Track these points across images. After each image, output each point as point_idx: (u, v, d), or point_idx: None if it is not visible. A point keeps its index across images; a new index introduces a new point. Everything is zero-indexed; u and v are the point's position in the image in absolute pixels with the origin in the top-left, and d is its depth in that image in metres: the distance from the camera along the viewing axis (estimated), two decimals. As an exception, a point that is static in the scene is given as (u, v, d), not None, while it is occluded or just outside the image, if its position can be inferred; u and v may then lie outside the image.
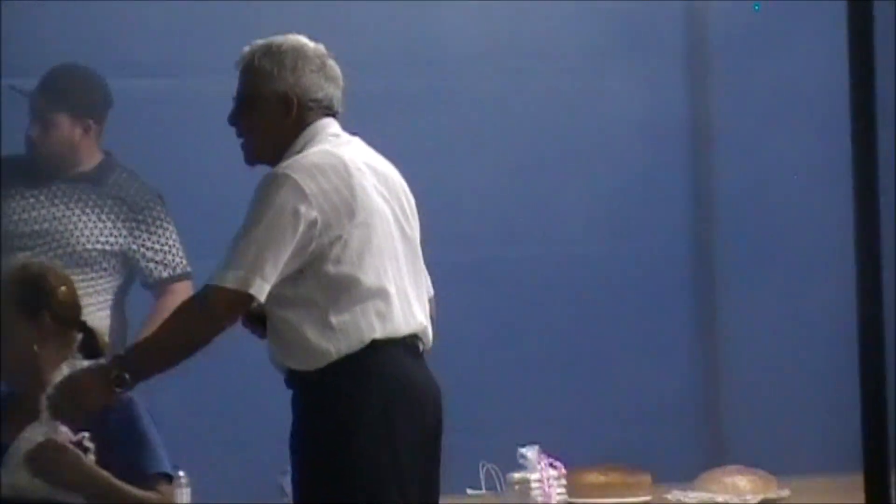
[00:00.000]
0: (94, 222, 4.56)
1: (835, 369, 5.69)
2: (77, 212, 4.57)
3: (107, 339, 3.52)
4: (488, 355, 5.38)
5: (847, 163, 2.46)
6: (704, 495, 4.78)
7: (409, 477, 3.18)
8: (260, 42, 3.35)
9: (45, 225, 4.54)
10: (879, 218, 2.48)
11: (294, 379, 3.20)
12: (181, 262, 4.68)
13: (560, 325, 5.64)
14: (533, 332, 5.49)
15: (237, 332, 3.40)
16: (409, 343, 3.28)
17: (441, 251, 3.76)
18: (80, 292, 3.52)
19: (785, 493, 4.81)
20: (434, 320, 3.45)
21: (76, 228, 4.53)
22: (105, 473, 3.24)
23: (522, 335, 5.44)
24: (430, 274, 3.51)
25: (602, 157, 5.75)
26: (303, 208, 3.09)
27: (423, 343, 3.33)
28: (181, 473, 4.04)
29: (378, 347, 3.19)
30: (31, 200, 4.58)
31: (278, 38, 3.33)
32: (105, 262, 4.55)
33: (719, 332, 6.06)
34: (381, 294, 3.18)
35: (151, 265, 4.61)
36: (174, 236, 4.69)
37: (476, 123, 5.66)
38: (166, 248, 4.65)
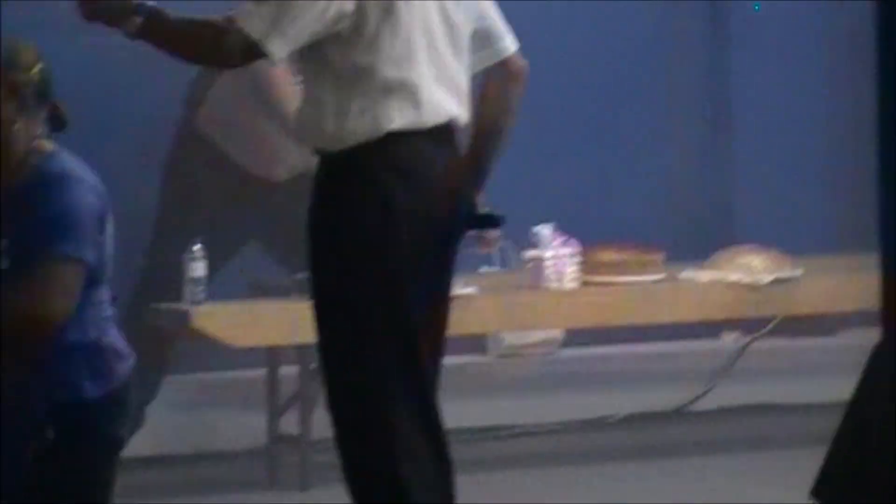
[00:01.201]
0: None
1: (849, 147, 5.73)
2: None
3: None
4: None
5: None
6: (717, 274, 4.80)
7: (415, 266, 3.18)
8: None
9: None
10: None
11: (318, 155, 3.23)
12: None
13: (574, 103, 5.67)
14: (547, 111, 5.51)
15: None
16: (436, 134, 3.23)
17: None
18: None
19: (798, 272, 4.84)
20: (517, 80, 3.37)
21: None
22: None
23: (537, 114, 5.47)
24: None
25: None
26: None
27: (455, 127, 3.28)
28: (196, 247, 4.30)
29: (397, 138, 3.16)
30: None
31: None
32: None
33: (733, 111, 6.13)
34: (405, 85, 3.14)
35: None
36: None
37: None
38: None
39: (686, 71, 6.23)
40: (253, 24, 3.05)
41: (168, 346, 4.77)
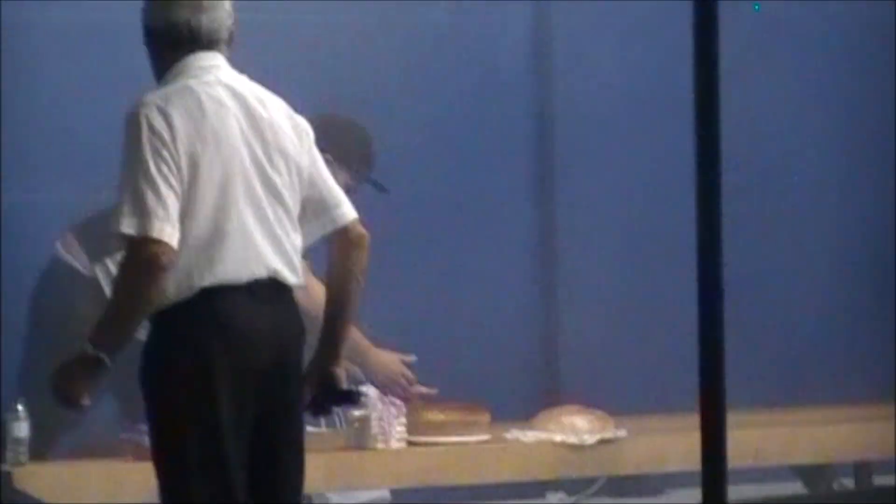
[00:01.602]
0: None
1: (673, 304, 5.95)
2: None
3: None
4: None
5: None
6: (542, 434, 4.91)
7: (233, 425, 3.21)
8: None
9: None
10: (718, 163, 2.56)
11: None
12: None
13: (394, 246, 5.80)
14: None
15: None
16: (254, 289, 3.26)
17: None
18: None
19: (622, 432, 4.96)
20: (359, 247, 3.45)
21: None
22: None
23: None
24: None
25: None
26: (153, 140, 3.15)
27: (280, 284, 3.30)
28: (20, 407, 4.29)
29: (212, 294, 3.20)
30: None
31: None
32: None
33: (558, 269, 6.37)
34: (217, 238, 3.18)
35: None
36: None
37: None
38: None
39: (513, 222, 6.45)
40: (125, 224, 3.14)
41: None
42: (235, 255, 3.20)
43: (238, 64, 3.52)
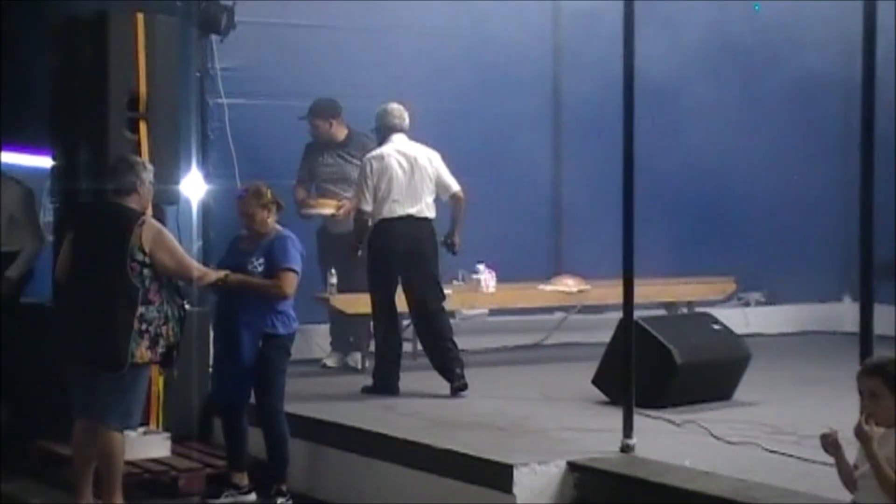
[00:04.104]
0: (351, 165, 9.76)
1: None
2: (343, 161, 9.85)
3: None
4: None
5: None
6: (553, 286, 10.56)
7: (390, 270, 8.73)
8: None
9: (336, 169, 9.80)
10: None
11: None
12: None
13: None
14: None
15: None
16: (410, 217, 8.68)
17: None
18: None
19: (588, 287, 10.63)
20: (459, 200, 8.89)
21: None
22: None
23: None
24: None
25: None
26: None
27: (422, 216, 8.70)
28: None
29: (392, 220, 8.61)
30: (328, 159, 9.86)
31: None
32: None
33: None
34: (395, 197, 8.64)
35: None
36: None
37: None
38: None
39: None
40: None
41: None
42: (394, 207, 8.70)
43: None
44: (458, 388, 8.61)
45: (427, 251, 8.68)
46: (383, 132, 8.84)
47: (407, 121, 8.85)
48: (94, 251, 6.86)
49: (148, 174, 7.05)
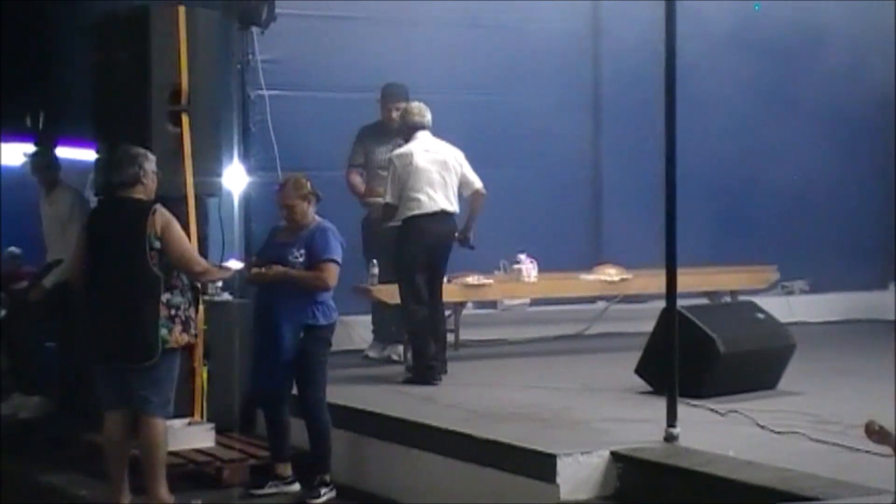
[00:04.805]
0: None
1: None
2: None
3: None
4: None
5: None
6: (594, 275, 10.56)
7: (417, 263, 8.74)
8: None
9: (386, 156, 9.48)
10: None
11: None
12: None
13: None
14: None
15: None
16: (437, 213, 8.74)
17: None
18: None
19: (630, 276, 10.64)
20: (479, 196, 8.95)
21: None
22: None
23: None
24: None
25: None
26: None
27: (447, 212, 8.78)
28: None
29: (413, 217, 8.71)
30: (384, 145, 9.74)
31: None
32: None
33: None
34: (422, 193, 8.75)
35: None
36: None
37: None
38: None
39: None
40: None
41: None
42: (424, 201, 8.74)
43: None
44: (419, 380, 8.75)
45: (450, 245, 8.90)
46: (407, 130, 8.92)
47: (429, 118, 8.94)
48: (111, 246, 6.86)
49: (151, 164, 7.01)
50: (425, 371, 8.77)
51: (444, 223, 8.79)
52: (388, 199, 8.74)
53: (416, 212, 8.70)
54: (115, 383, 6.84)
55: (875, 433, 4.62)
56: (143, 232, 6.75)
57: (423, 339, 8.78)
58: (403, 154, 8.84)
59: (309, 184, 7.54)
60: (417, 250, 8.70)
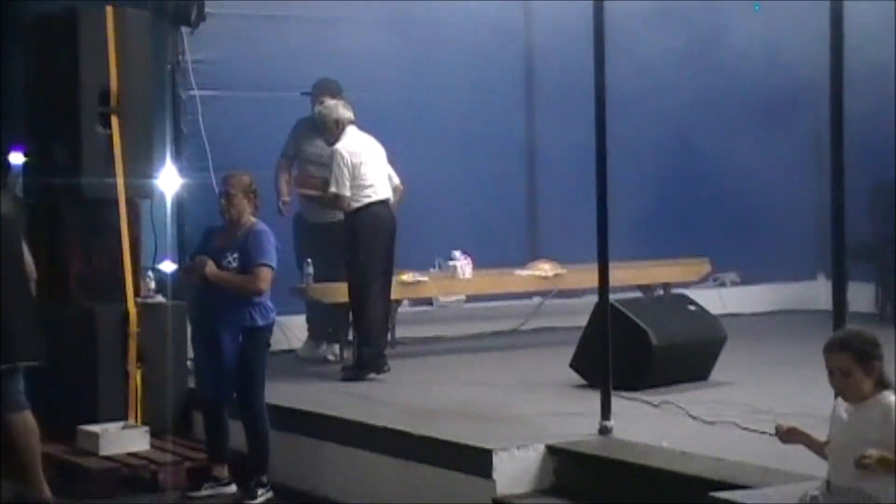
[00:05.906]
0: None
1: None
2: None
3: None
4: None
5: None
6: (529, 271, 10.68)
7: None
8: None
9: (322, 152, 9.40)
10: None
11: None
12: None
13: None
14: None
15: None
16: (386, 201, 8.86)
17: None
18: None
19: (565, 271, 10.65)
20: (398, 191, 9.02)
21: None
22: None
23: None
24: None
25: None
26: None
27: (390, 199, 8.89)
28: None
29: (370, 204, 8.73)
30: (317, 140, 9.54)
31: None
32: None
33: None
34: (374, 181, 8.79)
35: None
36: None
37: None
38: None
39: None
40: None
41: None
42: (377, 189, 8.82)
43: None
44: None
45: (395, 234, 8.93)
46: (339, 126, 8.92)
47: (352, 114, 8.96)
48: None
49: None
50: (377, 359, 8.78)
51: (390, 211, 8.88)
52: (341, 190, 8.70)
53: (373, 199, 8.71)
54: None
55: (783, 433, 4.71)
56: None
57: (381, 326, 8.80)
58: (349, 144, 8.84)
59: (253, 184, 7.54)
60: (376, 235, 8.73)
